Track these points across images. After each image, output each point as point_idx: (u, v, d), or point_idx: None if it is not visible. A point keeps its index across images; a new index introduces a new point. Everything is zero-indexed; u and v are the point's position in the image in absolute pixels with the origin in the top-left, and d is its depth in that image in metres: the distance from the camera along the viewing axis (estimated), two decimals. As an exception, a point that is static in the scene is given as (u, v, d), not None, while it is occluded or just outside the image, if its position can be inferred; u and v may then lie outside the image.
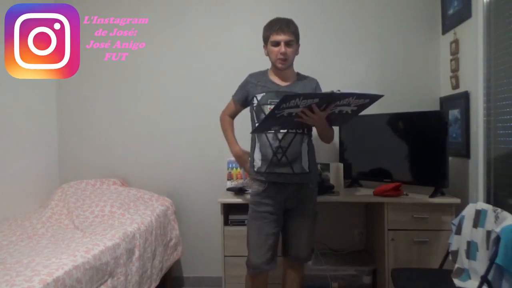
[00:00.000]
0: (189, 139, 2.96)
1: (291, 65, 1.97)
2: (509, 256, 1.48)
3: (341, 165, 2.64)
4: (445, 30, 2.65)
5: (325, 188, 2.44)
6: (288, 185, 1.91)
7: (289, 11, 2.83)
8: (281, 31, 1.86)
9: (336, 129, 2.70)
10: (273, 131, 1.89)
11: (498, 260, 1.49)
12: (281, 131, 1.88)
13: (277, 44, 1.88)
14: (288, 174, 1.89)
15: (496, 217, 1.63)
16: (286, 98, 1.57)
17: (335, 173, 2.66)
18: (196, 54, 2.92)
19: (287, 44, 1.87)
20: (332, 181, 2.63)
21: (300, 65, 2.66)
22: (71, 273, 1.52)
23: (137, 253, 2.07)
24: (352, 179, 2.71)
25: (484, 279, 1.55)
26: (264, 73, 2.03)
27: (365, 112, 2.63)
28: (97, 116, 3.01)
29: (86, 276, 1.61)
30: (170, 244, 2.59)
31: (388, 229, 2.28)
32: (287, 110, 1.65)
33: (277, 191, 1.91)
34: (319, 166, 2.75)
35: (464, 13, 2.33)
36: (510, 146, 1.99)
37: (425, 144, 2.37)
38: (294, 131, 1.88)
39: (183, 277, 2.99)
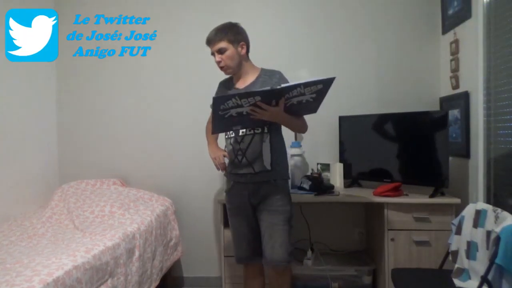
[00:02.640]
0: (190, 139, 2.95)
1: (243, 65, 1.96)
2: (509, 256, 1.48)
3: (341, 165, 2.64)
4: (445, 30, 2.65)
5: (325, 188, 2.44)
6: (249, 183, 1.94)
7: (289, 12, 2.86)
8: (208, 43, 1.90)
9: (336, 129, 2.73)
10: (233, 135, 1.93)
11: (498, 260, 1.49)
12: (240, 133, 1.90)
13: (213, 54, 1.93)
14: (249, 174, 1.92)
15: (496, 217, 1.63)
16: (217, 100, 1.62)
17: (335, 173, 2.66)
18: (197, 54, 2.91)
19: (219, 51, 1.88)
20: (332, 181, 2.63)
21: (299, 64, 2.68)
22: (71, 273, 1.52)
23: (137, 253, 2.07)
24: (352, 179, 2.71)
25: (484, 279, 1.55)
26: (230, 79, 2.06)
27: (365, 112, 2.66)
28: (97, 116, 3.01)
29: (86, 276, 1.61)
30: (170, 244, 2.59)
31: (388, 229, 2.28)
32: (234, 110, 1.67)
33: (241, 188, 1.96)
34: (319, 166, 2.75)
35: (464, 13, 2.33)
36: (510, 146, 1.99)
37: (425, 144, 2.37)
38: (252, 131, 1.90)
39: (183, 277, 2.98)
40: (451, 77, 2.52)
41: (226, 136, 2.00)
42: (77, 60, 3.01)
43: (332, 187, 2.49)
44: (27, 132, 2.72)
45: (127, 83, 2.99)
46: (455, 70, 2.48)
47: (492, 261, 1.53)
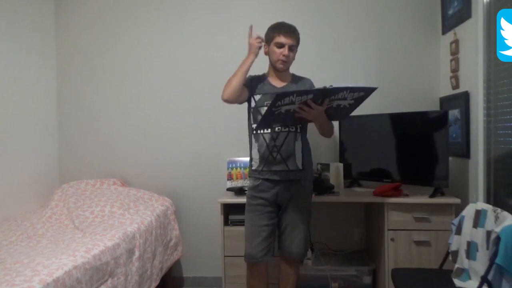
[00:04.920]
0: (189, 139, 2.96)
1: (289, 68, 2.08)
2: (509, 256, 1.48)
3: (341, 165, 2.64)
4: (445, 30, 2.65)
5: (325, 188, 2.44)
6: (281, 181, 1.99)
7: (288, 11, 2.86)
8: (288, 34, 1.96)
9: (336, 129, 2.72)
10: (269, 131, 1.98)
11: (498, 260, 1.49)
12: (276, 129, 1.97)
13: (281, 46, 1.97)
14: (283, 171, 1.97)
15: (496, 217, 1.63)
16: (279, 96, 1.65)
17: (335, 173, 2.66)
18: (196, 55, 2.92)
19: (290, 48, 1.97)
20: (332, 181, 2.63)
21: (299, 64, 2.65)
22: (71, 273, 1.52)
23: (137, 253, 2.07)
24: (352, 179, 2.71)
25: (484, 279, 1.55)
26: (262, 76, 2.13)
27: (365, 112, 2.66)
28: (97, 116, 3.01)
29: (86, 276, 1.61)
30: (170, 244, 2.59)
31: (388, 229, 2.28)
32: (284, 107, 1.72)
33: (269, 185, 2.00)
34: (319, 166, 2.75)
35: (464, 13, 2.33)
36: (510, 146, 1.99)
37: (425, 144, 2.37)
38: (286, 129, 1.97)
39: (183, 277, 2.99)
40: (451, 77, 2.52)
41: (260, 132, 2.01)
42: (77, 60, 3.01)
43: (332, 187, 2.49)
44: (27, 132, 2.72)
45: (128, 83, 2.99)
46: (455, 70, 2.48)
47: (492, 261, 1.53)
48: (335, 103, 1.79)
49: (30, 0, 2.76)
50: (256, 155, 2.03)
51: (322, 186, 2.44)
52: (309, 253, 2.57)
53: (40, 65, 2.87)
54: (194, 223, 2.94)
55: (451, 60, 2.53)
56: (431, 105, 2.72)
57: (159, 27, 2.94)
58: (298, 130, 2.00)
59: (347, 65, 2.83)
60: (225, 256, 2.42)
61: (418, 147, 2.40)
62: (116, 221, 2.28)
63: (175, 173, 2.97)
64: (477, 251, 1.71)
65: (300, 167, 1.99)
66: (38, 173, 2.83)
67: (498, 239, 1.53)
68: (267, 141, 1.98)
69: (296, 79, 2.11)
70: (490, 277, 1.54)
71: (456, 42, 2.46)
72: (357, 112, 2.65)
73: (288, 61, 2.00)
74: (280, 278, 2.16)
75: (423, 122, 2.41)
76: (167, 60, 2.95)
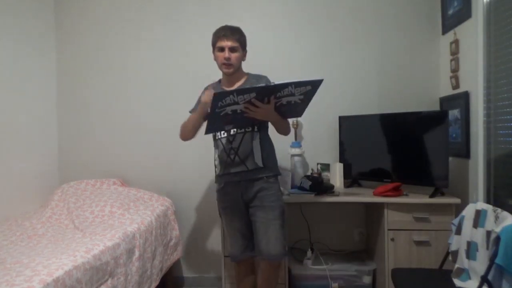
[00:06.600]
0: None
1: (239, 69, 2.05)
2: (509, 256, 1.48)
3: (341, 165, 2.64)
4: (445, 30, 2.65)
5: (325, 188, 2.44)
6: (242, 181, 1.99)
7: (288, 11, 2.86)
8: (225, 37, 1.95)
9: (336, 129, 2.73)
10: (225, 135, 1.98)
11: (498, 260, 1.49)
12: (232, 132, 1.97)
13: (222, 49, 1.97)
14: (242, 172, 1.97)
15: (496, 217, 1.63)
16: (219, 96, 1.67)
17: (335, 173, 2.66)
18: (196, 55, 2.92)
19: (231, 49, 1.96)
20: (332, 181, 2.63)
21: (300, 64, 2.67)
22: (71, 273, 1.52)
23: (137, 253, 2.07)
24: (352, 179, 2.71)
25: (484, 279, 1.55)
26: (217, 83, 2.14)
27: (365, 112, 2.66)
28: (97, 116, 3.02)
29: (86, 276, 1.61)
30: (170, 244, 2.59)
31: (388, 229, 2.28)
32: (230, 108, 1.74)
33: (233, 186, 2.01)
34: (319, 166, 2.75)
35: (464, 13, 2.33)
36: (510, 146, 1.99)
37: (425, 144, 2.37)
38: (242, 130, 1.97)
39: (183, 277, 2.99)
40: (451, 77, 2.52)
41: (217, 138, 2.04)
42: (77, 60, 3.02)
43: (332, 187, 2.49)
44: (27, 132, 2.72)
45: (127, 83, 2.99)
46: (455, 70, 2.48)
47: (492, 261, 1.53)
48: (285, 100, 1.79)
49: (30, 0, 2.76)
50: (217, 161, 2.04)
51: (322, 186, 2.44)
52: (309, 253, 2.58)
53: (40, 65, 2.87)
54: (194, 223, 2.95)
55: (451, 60, 2.53)
56: (431, 105, 2.72)
57: (160, 27, 2.94)
58: (256, 129, 1.98)
59: (347, 65, 2.83)
60: (225, 256, 2.42)
61: (418, 147, 2.40)
62: (116, 221, 2.28)
63: (175, 173, 2.97)
64: (477, 251, 1.71)
65: (260, 165, 1.97)
66: (38, 173, 2.83)
67: (498, 239, 1.53)
68: (224, 144, 1.99)
69: (250, 79, 2.06)
70: (490, 277, 1.54)
71: (456, 42, 2.46)
72: (357, 112, 2.69)
73: (232, 64, 1.96)
74: (259, 277, 2.07)
75: (423, 122, 2.41)
76: (168, 59, 2.95)
